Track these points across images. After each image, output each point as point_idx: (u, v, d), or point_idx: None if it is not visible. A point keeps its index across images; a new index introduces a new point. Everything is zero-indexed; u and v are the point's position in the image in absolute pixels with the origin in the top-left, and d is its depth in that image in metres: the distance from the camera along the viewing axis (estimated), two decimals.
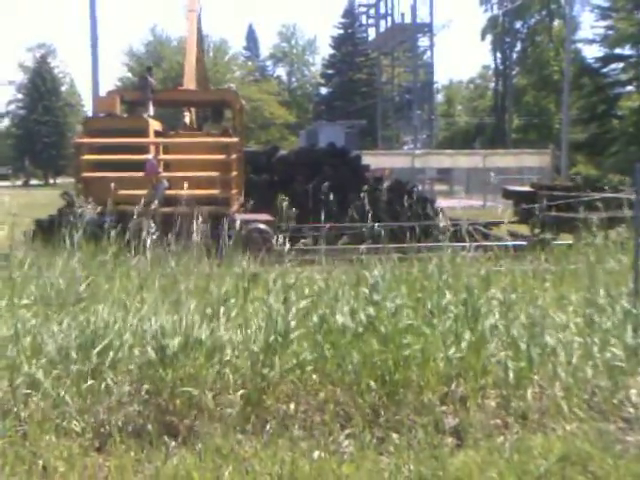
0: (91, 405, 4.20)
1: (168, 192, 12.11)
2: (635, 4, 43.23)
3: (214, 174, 12.53)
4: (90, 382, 4.28)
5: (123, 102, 14.42)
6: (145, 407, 4.22)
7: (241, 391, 4.26)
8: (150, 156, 12.80)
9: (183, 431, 4.09)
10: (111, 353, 4.47)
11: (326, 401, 4.28)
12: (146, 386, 4.31)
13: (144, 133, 13.33)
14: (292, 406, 4.29)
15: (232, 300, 5.18)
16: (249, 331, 4.64)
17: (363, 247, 6.50)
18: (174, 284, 5.60)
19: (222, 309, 4.89)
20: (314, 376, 4.46)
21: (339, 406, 4.28)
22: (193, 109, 16.27)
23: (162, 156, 13.24)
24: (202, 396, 4.21)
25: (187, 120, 15.72)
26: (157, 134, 13.82)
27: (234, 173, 12.66)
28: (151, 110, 14.16)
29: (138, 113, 14.29)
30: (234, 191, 12.45)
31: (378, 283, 5.07)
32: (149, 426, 4.05)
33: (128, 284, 5.95)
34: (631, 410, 4.30)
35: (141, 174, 12.51)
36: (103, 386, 4.28)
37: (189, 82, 15.60)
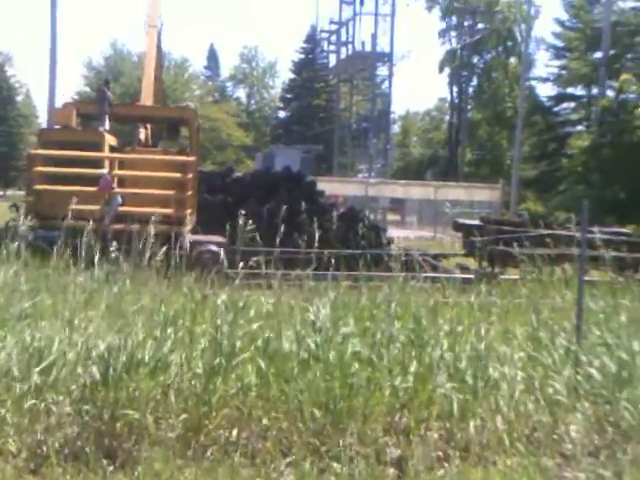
0: (30, 425, 4.09)
1: (121, 209, 11.95)
2: (588, 45, 44.65)
3: (169, 192, 12.40)
4: (31, 402, 4.17)
5: (79, 115, 14.22)
6: (85, 429, 4.12)
7: (183, 416, 4.19)
8: (105, 171, 12.63)
9: (122, 455, 4.00)
10: (54, 372, 4.36)
11: (269, 428, 4.24)
12: (87, 407, 4.21)
13: (99, 147, 13.16)
14: (234, 432, 4.24)
15: (180, 321, 5.11)
16: (194, 353, 4.58)
17: (314, 273, 6.51)
18: (121, 303, 5.52)
19: (168, 330, 4.82)
20: (258, 402, 4.42)
21: (282, 433, 4.25)
22: (148, 125, 16.14)
23: (117, 172, 13.07)
24: (143, 419, 4.13)
25: (142, 136, 15.57)
26: (112, 149, 13.66)
27: (189, 192, 12.55)
28: (107, 124, 14.00)
29: (94, 127, 14.12)
30: (188, 210, 12.33)
31: (320, 311, 5.07)
32: (87, 449, 3.96)
33: (74, 301, 5.83)
34: (570, 446, 4.36)
35: (94, 189, 12.32)
36: (43, 406, 4.17)
37: (146, 98, 15.49)
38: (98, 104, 14.36)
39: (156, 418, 4.19)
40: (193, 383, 4.36)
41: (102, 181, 12.41)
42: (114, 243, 6.17)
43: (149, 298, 5.69)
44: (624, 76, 31.75)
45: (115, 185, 12.79)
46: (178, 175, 12.50)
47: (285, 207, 13.53)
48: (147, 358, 4.35)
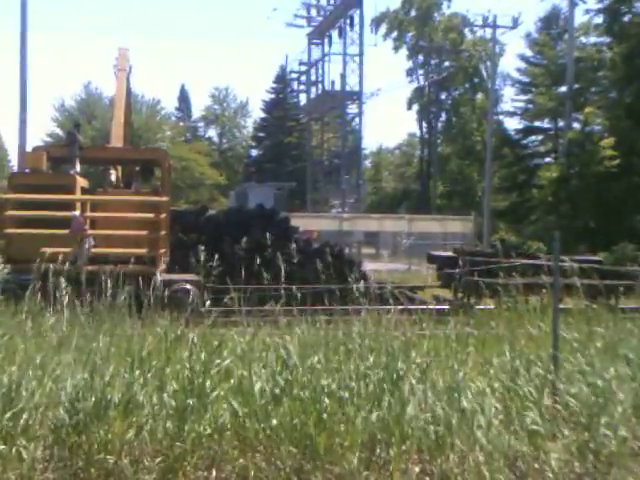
0: (2, 472, 3.97)
1: (94, 250, 11.84)
2: (553, 80, 45.70)
3: (142, 233, 12.32)
4: (1, 447, 4.05)
5: (50, 159, 14.16)
6: (59, 475, 4.01)
7: (159, 458, 4.10)
8: (77, 213, 12.54)
9: None
10: (24, 416, 4.25)
11: (246, 467, 4.16)
12: (60, 452, 4.11)
13: (71, 190, 13.08)
14: (213, 473, 4.15)
15: (153, 362, 5.03)
16: (165, 394, 4.49)
17: (288, 309, 6.47)
18: (93, 345, 5.42)
19: (138, 371, 4.73)
20: (234, 442, 4.34)
21: (260, 473, 4.17)
22: (120, 167, 16.13)
23: (89, 213, 12.99)
24: (118, 462, 4.03)
25: (113, 178, 15.52)
26: (84, 191, 13.58)
27: (162, 232, 12.47)
28: (78, 167, 13.94)
29: (64, 170, 14.05)
30: (161, 250, 12.25)
31: (291, 347, 5.04)
32: None
33: (45, 344, 5.72)
34: (551, 475, 4.34)
35: (66, 231, 12.21)
36: (14, 452, 4.05)
37: (116, 140, 15.49)
38: (68, 147, 14.32)
39: (131, 461, 4.09)
40: (167, 424, 4.27)
41: (74, 223, 12.30)
42: (84, 285, 6.10)
43: (122, 338, 5.61)
44: (589, 109, 32.48)
45: (87, 227, 12.68)
46: (151, 215, 12.42)
47: (260, 244, 13.53)
48: (117, 399, 4.26)
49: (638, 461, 4.50)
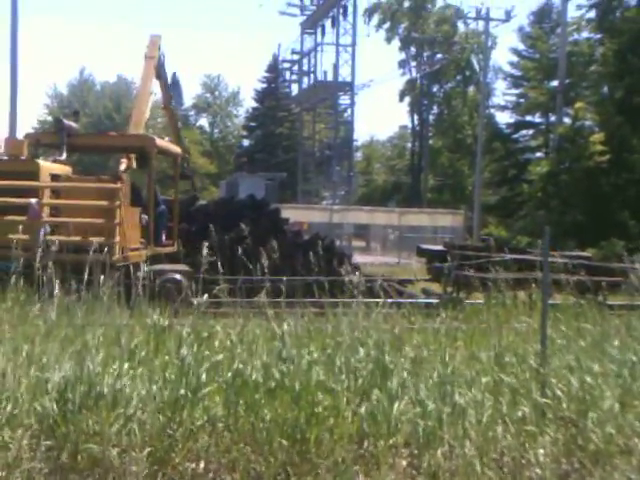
0: None
1: (50, 237, 11.61)
2: (545, 74, 45.79)
3: (98, 221, 12.00)
4: None
5: (41, 145, 14.02)
6: (46, 464, 4.00)
7: (148, 449, 4.10)
8: (33, 200, 12.34)
9: None
10: (9, 406, 4.23)
11: (237, 460, 4.17)
12: (47, 442, 4.09)
13: (34, 177, 12.88)
14: (202, 465, 4.15)
15: (142, 353, 5.02)
16: (155, 386, 4.48)
17: (278, 300, 6.47)
18: (81, 334, 5.40)
19: (129, 362, 4.72)
20: (225, 433, 4.34)
21: (250, 465, 4.18)
22: (132, 156, 15.92)
23: (47, 201, 12.71)
24: (106, 453, 4.02)
25: (122, 167, 15.34)
26: (55, 178, 13.32)
27: (117, 220, 12.10)
28: (64, 154, 13.78)
29: (52, 157, 13.90)
30: (117, 239, 11.89)
31: (286, 339, 5.04)
32: None
33: (32, 333, 5.69)
34: (538, 470, 4.36)
35: (25, 219, 12.03)
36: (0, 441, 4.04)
37: (134, 127, 15.34)
38: (56, 134, 14.19)
39: (120, 451, 4.08)
40: (157, 416, 4.26)
41: (30, 210, 12.16)
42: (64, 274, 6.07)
43: (110, 329, 5.59)
44: (579, 104, 32.58)
45: (44, 214, 12.48)
46: (105, 203, 12.10)
47: (250, 235, 13.47)
48: (106, 390, 4.24)
49: (624, 458, 4.53)
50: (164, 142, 14.86)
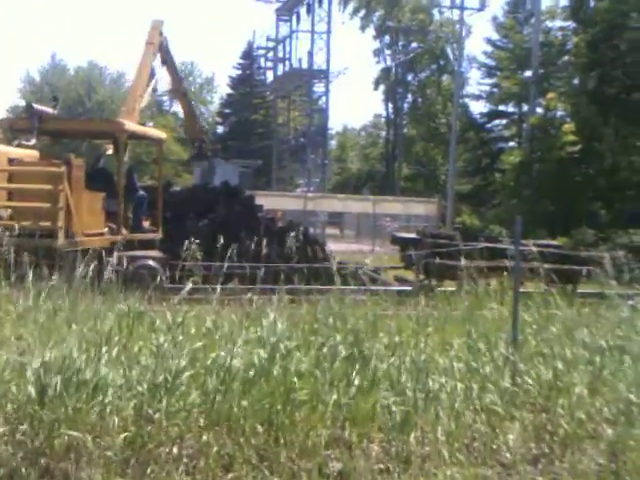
0: None
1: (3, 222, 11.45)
2: (518, 64, 46.08)
3: (42, 205, 11.81)
4: None
5: (15, 130, 13.81)
6: (20, 448, 3.99)
7: (123, 434, 4.10)
8: None
9: (59, 474, 3.89)
10: None
11: (210, 444, 4.18)
12: (23, 427, 4.08)
13: None
14: (175, 449, 4.16)
15: (116, 339, 5.00)
16: (133, 372, 4.47)
17: (253, 287, 6.48)
18: (55, 319, 5.37)
19: (105, 347, 4.71)
20: (201, 419, 4.35)
21: (224, 449, 4.19)
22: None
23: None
24: (81, 438, 4.02)
25: (109, 152, 15.12)
26: (11, 163, 13.09)
27: (59, 204, 11.91)
28: (33, 139, 13.56)
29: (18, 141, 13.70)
30: (59, 223, 11.71)
31: (271, 325, 5.05)
32: (23, 469, 3.83)
33: (5, 318, 5.66)
34: (508, 455, 4.44)
35: None
36: None
37: (127, 114, 15.15)
38: (27, 119, 13.99)
39: (95, 437, 4.08)
40: (134, 402, 4.26)
41: None
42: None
43: (84, 315, 5.56)
44: (551, 94, 32.85)
45: None
46: (48, 187, 11.91)
47: (224, 222, 13.42)
48: (88, 376, 4.23)
49: (593, 443, 4.62)
50: (138, 127, 14.66)
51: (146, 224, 14.17)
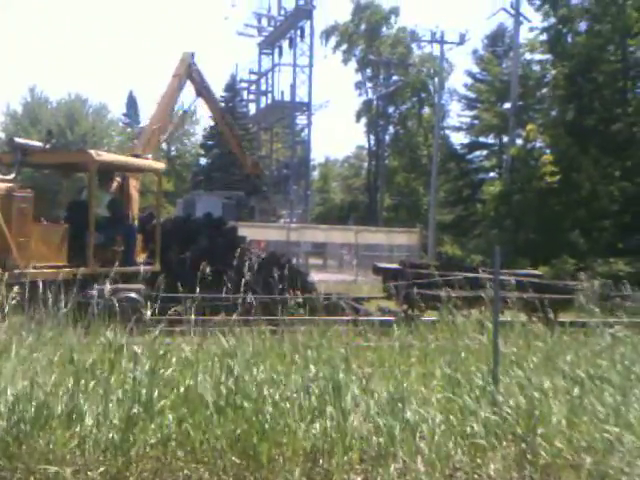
0: None
1: None
2: (498, 97, 46.76)
3: None
4: None
5: (3, 164, 13.79)
6: None
7: (102, 468, 4.07)
8: None
9: None
10: None
11: (190, 478, 4.16)
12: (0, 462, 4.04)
13: None
14: None
15: (97, 371, 4.98)
16: (110, 404, 4.45)
17: (235, 319, 6.47)
18: (35, 352, 5.34)
19: (83, 380, 4.68)
20: (178, 452, 4.33)
21: None
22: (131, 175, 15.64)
23: None
24: (60, 472, 3.98)
25: (114, 184, 15.06)
26: None
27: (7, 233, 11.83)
28: (13, 174, 13.54)
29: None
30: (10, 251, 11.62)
31: (238, 355, 5.06)
32: None
33: None
34: None
35: None
36: None
37: (143, 145, 15.11)
38: (11, 153, 14.00)
39: (74, 471, 4.05)
40: (111, 435, 4.24)
41: None
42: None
43: (64, 347, 5.53)
44: (530, 126, 33.31)
45: None
46: None
47: (207, 254, 13.37)
48: (60, 408, 4.21)
49: (573, 471, 4.65)
50: (116, 158, 14.59)
51: (143, 256, 14.09)
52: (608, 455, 4.73)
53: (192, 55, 17.97)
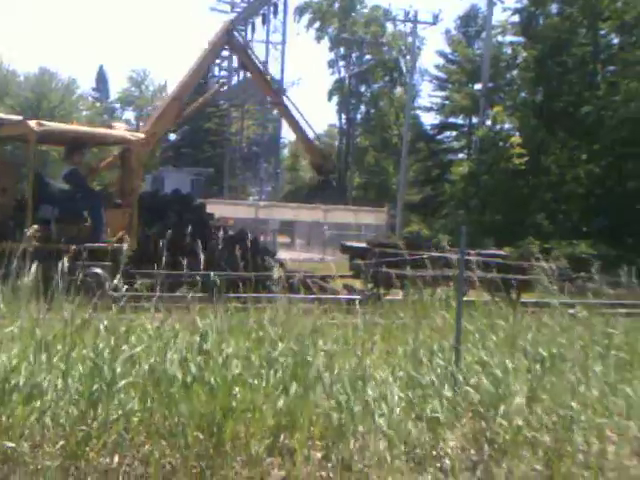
0: None
1: None
2: (469, 77, 46.91)
3: None
4: None
5: None
6: None
7: (61, 442, 4.04)
8: None
9: None
10: None
11: (151, 454, 4.15)
12: None
13: None
14: (116, 459, 4.12)
15: (58, 346, 4.92)
16: (71, 380, 4.41)
17: (200, 295, 6.44)
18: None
19: (44, 355, 4.63)
20: (140, 428, 4.31)
21: (165, 459, 4.17)
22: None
23: None
24: (18, 447, 3.94)
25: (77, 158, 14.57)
26: None
27: None
28: None
29: None
30: None
31: (207, 332, 5.04)
32: None
33: None
34: (448, 462, 4.51)
35: None
36: None
37: (157, 119, 14.43)
38: None
39: (32, 446, 4.01)
40: (71, 410, 4.20)
41: None
42: None
43: (26, 322, 5.46)
44: (498, 108, 33.49)
45: None
46: None
47: (174, 230, 13.24)
48: (21, 383, 4.16)
49: (531, 449, 4.73)
50: (68, 128, 14.09)
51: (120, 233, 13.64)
52: (566, 433, 4.82)
53: (232, 22, 16.89)
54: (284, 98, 17.57)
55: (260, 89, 16.23)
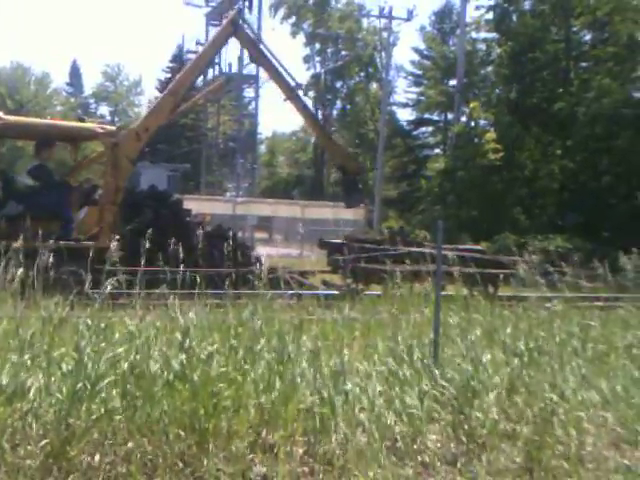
0: None
1: None
2: (444, 74, 47.15)
3: None
4: None
5: None
6: None
7: (43, 442, 4.02)
8: None
9: None
10: None
11: (133, 451, 4.15)
12: None
13: None
14: (97, 457, 4.11)
15: (37, 345, 4.89)
16: (53, 378, 4.39)
17: (179, 292, 6.43)
18: None
19: (26, 354, 4.60)
20: (122, 425, 4.30)
21: (146, 456, 4.16)
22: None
23: None
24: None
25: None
26: None
27: None
28: None
29: None
30: None
31: (189, 329, 5.04)
32: None
33: None
34: (428, 455, 4.56)
35: None
36: None
37: (152, 113, 14.15)
38: None
39: (14, 445, 3.99)
40: (54, 410, 4.18)
41: None
42: None
43: (5, 321, 5.42)
44: (473, 103, 33.71)
45: None
46: None
47: (151, 226, 13.13)
48: (5, 382, 4.13)
49: (509, 442, 4.79)
50: (32, 121, 13.79)
51: (95, 230, 13.38)
52: (544, 425, 4.89)
53: (240, 12, 16.11)
54: (300, 93, 16.57)
55: (275, 85, 15.20)
